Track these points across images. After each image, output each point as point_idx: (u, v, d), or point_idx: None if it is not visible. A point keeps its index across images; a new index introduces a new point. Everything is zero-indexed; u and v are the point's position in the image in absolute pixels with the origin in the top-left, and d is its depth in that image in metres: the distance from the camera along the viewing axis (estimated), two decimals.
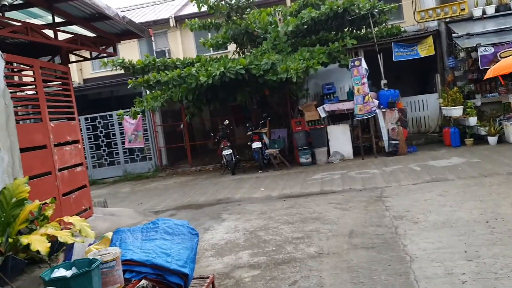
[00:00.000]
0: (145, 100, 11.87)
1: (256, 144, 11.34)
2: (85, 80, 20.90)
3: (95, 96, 18.86)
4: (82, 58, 7.41)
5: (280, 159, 11.53)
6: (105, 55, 7.22)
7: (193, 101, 12.31)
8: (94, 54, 7.08)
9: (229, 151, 11.43)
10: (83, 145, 14.65)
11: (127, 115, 11.94)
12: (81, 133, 15.49)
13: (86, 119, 14.54)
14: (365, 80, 10.92)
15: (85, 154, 15.21)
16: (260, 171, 11.23)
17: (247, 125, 12.72)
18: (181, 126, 14.35)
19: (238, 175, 11.27)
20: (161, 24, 19.77)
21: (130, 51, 16.66)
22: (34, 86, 6.28)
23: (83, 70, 20.85)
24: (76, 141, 7.16)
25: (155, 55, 16.28)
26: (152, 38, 7.77)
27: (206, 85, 10.80)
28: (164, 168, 14.38)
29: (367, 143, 11.27)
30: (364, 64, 10.94)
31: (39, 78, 6.15)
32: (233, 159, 11.62)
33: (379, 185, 7.66)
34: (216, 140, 12.39)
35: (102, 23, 6.42)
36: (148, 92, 12.74)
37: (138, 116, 12.63)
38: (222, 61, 11.23)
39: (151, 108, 11.63)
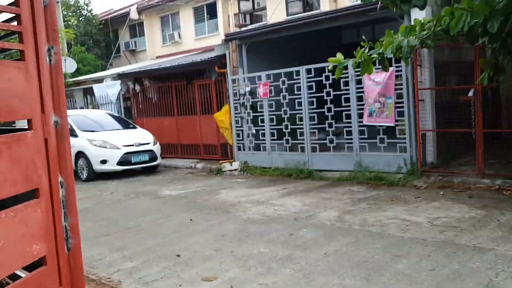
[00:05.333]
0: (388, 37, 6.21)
1: None
2: None
3: (350, 36, 14.16)
4: None
5: None
6: None
7: (500, 40, 5.88)
8: None
9: None
10: (301, 111, 9.97)
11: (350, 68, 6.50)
12: (300, 94, 11.18)
13: (308, 71, 10.02)
14: None
15: (302, 129, 9.90)
16: None
17: None
18: (470, 94, 7.98)
19: None
20: None
21: None
22: None
23: (338, 1, 16.47)
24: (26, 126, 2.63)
25: None
26: None
27: None
28: (426, 171, 8.45)
29: None
30: None
31: None
32: None
33: None
34: None
35: None
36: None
37: (375, 70, 7.09)
38: None
39: (396, 54, 5.92)
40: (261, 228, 5.94)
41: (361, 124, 9.18)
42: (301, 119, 10.00)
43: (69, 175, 2.70)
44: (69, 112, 12.95)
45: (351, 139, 9.34)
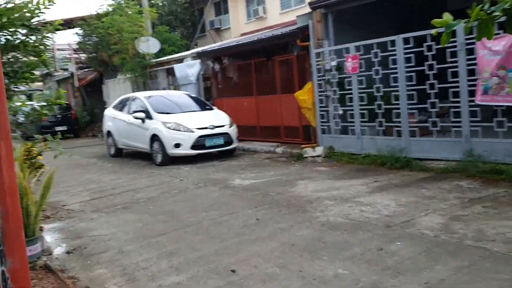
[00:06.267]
0: None
1: None
2: None
3: (457, 1, 12.12)
4: None
5: None
6: None
7: None
8: None
9: None
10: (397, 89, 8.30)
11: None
12: (396, 68, 8.32)
13: (406, 40, 8.43)
14: None
15: (399, 110, 7.61)
16: None
17: None
18: None
19: None
20: None
21: None
22: None
23: None
24: None
25: None
26: None
27: None
28: None
29: None
30: None
31: None
32: None
33: None
34: None
35: None
36: None
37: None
38: None
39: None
40: (342, 237, 4.75)
41: (472, 103, 7.49)
42: (397, 98, 8.49)
43: (7, 195, 1.76)
44: (146, 93, 12.56)
45: (459, 121, 7.68)
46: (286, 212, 5.85)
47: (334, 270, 3.91)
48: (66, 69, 26.79)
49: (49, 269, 3.96)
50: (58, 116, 20.91)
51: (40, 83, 32.72)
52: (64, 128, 21.11)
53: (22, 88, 7.90)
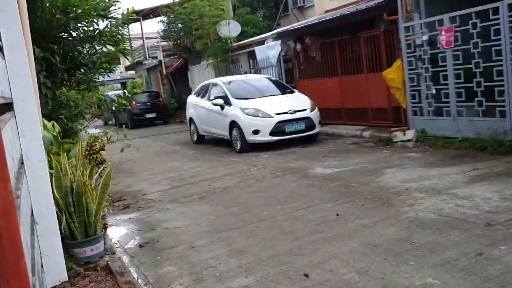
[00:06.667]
0: None
1: None
2: None
3: None
4: None
5: None
6: None
7: None
8: None
9: None
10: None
11: None
12: (499, 40, 7.56)
13: (511, 7, 7.34)
14: None
15: (502, 87, 6.71)
16: None
17: None
18: None
19: None
20: None
21: None
22: None
23: None
24: None
25: None
26: None
27: None
28: None
29: None
30: None
31: None
32: None
33: None
34: None
35: None
36: None
37: None
38: None
39: None
40: (433, 237, 4.17)
41: None
42: (500, 73, 7.49)
43: (0, 217, 1.50)
44: (226, 78, 12.43)
45: None
46: (370, 206, 5.34)
47: (423, 279, 3.40)
48: (155, 57, 27.74)
49: (110, 271, 3.89)
50: (148, 103, 21.77)
51: (132, 71, 34.41)
52: (153, 115, 21.96)
53: (101, 78, 8.08)
